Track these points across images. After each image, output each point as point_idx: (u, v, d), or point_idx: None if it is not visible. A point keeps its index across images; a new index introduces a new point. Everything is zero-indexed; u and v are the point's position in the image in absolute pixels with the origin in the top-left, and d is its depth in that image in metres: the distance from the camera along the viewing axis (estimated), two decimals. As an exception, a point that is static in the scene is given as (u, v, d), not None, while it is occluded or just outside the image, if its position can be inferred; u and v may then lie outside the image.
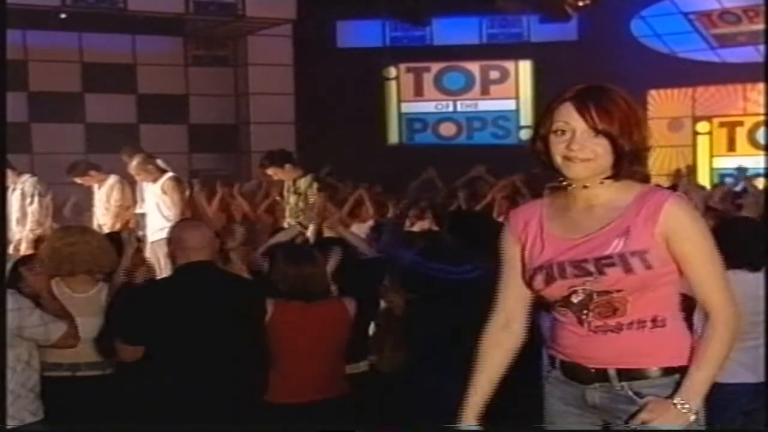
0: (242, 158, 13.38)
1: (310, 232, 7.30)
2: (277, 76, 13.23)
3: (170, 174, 8.05)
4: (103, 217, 8.62)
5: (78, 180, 8.84)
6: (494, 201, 9.59)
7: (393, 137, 14.48)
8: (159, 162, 8.23)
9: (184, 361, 3.56)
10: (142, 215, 8.37)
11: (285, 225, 7.74)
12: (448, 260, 3.81)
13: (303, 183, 7.84)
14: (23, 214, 8.19)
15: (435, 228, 9.08)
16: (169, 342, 3.58)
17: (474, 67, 14.22)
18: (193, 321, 3.58)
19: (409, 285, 4.00)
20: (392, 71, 14.28)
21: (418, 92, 14.39)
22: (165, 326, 3.60)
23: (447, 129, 14.45)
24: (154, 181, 7.93)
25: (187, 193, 7.97)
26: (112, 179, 8.74)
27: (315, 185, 7.81)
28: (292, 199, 7.87)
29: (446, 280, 3.83)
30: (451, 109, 14.41)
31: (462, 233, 3.89)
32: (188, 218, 6.21)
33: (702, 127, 13.53)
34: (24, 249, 7.72)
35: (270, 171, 8.03)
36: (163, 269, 7.28)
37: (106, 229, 8.27)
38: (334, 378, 3.95)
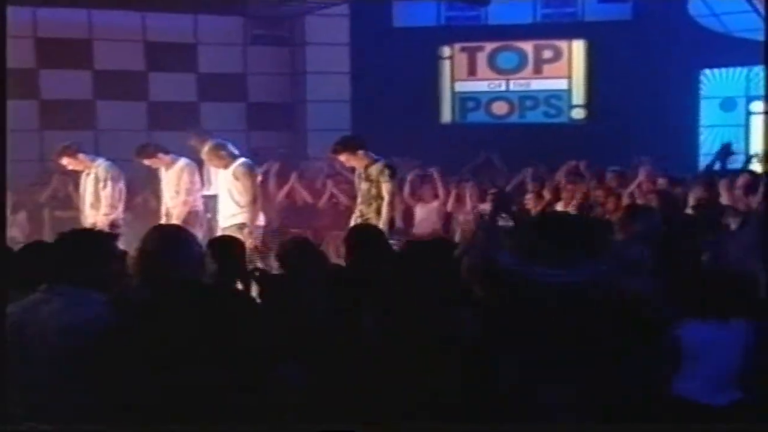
0: (299, 136, 13.15)
1: (382, 222, 7.06)
2: (334, 56, 12.95)
3: (242, 160, 7.68)
4: (172, 201, 8.25)
5: (146, 162, 8.44)
6: (561, 186, 9.28)
7: (446, 116, 14.14)
8: (230, 147, 7.85)
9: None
10: (211, 197, 8.09)
11: (357, 212, 7.47)
12: (545, 263, 3.45)
13: (374, 170, 7.37)
14: (97, 199, 7.88)
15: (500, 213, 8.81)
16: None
17: (527, 46, 13.80)
18: None
19: (502, 288, 3.63)
20: (446, 51, 13.92)
21: (472, 71, 14.02)
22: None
23: (499, 108, 14.07)
24: (226, 167, 7.58)
25: (259, 178, 7.62)
26: (182, 162, 8.30)
27: (387, 172, 7.31)
28: (364, 186, 7.43)
29: (543, 284, 3.45)
30: (503, 88, 14.01)
31: (558, 236, 3.54)
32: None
33: (755, 106, 12.99)
34: None
35: (342, 157, 7.56)
36: None
37: (173, 213, 8.09)
38: None
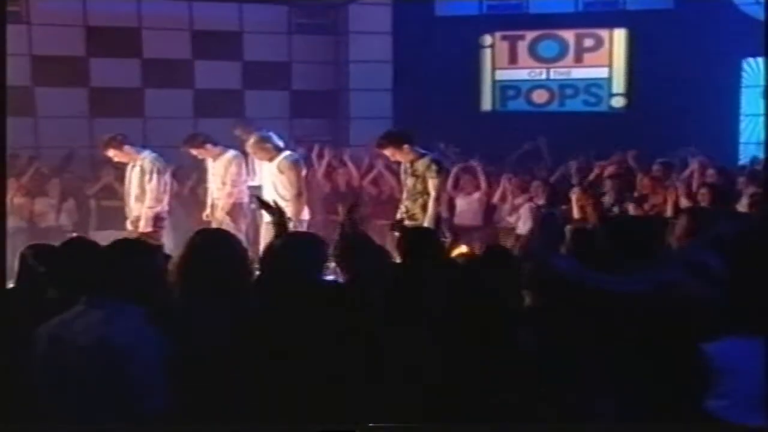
0: (341, 125, 13.10)
1: (428, 219, 6.90)
2: (377, 45, 12.85)
3: (287, 153, 7.54)
4: (218, 192, 8.16)
5: (193, 152, 8.33)
6: (601, 178, 9.07)
7: (486, 104, 14.02)
8: (275, 139, 7.74)
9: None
10: (257, 188, 7.95)
11: (402, 208, 7.27)
12: (610, 270, 3.25)
13: (421, 165, 7.13)
14: (142, 191, 7.71)
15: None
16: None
17: (568, 35, 13.60)
18: None
19: (561, 293, 3.40)
20: (488, 39, 13.76)
21: (513, 60, 13.86)
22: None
23: (539, 96, 13.91)
24: (270, 159, 7.43)
25: (304, 172, 7.48)
26: (230, 154, 8.17)
27: (433, 167, 7.05)
28: (410, 181, 7.19)
29: (609, 293, 3.22)
30: (544, 76, 13.84)
31: (626, 241, 3.33)
32: None
33: (798, 96, 12.66)
34: (143, 226, 7.46)
35: (387, 151, 7.33)
36: None
37: (219, 204, 8.02)
38: None
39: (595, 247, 3.63)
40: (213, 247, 3.20)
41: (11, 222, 8.95)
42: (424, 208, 6.99)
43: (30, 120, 11.39)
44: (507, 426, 2.96)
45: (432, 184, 7.00)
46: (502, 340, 3.09)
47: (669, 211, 7.57)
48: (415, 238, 4.54)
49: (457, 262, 4.55)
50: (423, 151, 7.25)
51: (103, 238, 9.14)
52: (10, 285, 3.85)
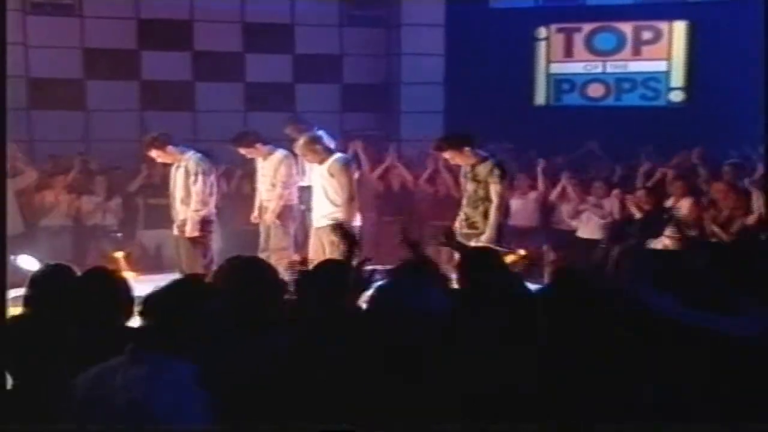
0: (392, 118, 12.59)
1: (489, 227, 6.30)
2: (429, 37, 12.30)
3: (338, 155, 6.99)
4: (267, 194, 7.67)
5: (243, 151, 7.84)
6: (665, 178, 8.46)
7: (540, 98, 13.39)
8: (326, 140, 7.22)
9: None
10: (306, 188, 7.44)
11: (461, 215, 6.65)
12: (721, 309, 2.67)
13: (482, 169, 6.51)
14: (187, 194, 7.15)
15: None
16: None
17: (626, 27, 12.91)
18: None
19: (662, 336, 2.83)
20: (542, 32, 13.12)
21: (568, 53, 13.20)
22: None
23: (595, 90, 13.25)
24: (321, 162, 6.87)
25: (356, 175, 6.92)
26: (280, 154, 7.64)
27: (496, 172, 6.44)
28: (470, 186, 6.56)
29: (718, 336, 2.66)
30: (600, 70, 13.17)
31: (737, 271, 2.73)
32: None
33: None
34: (189, 231, 7.00)
35: (446, 154, 6.76)
36: (328, 254, 6.57)
37: (269, 207, 7.56)
38: None
39: (692, 277, 3.02)
40: (244, 279, 2.68)
41: (57, 220, 8.65)
42: (486, 215, 6.41)
43: (81, 114, 11.10)
44: (515, 426, 2.61)
45: (494, 190, 6.41)
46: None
47: (750, 221, 6.90)
48: (478, 261, 3.99)
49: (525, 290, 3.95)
50: (485, 154, 6.65)
51: (150, 237, 8.97)
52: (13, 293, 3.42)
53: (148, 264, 8.24)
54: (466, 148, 6.47)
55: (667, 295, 2.94)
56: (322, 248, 6.62)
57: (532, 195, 9.03)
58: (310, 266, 4.11)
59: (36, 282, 3.39)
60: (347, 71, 12.47)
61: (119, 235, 8.87)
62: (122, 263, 7.99)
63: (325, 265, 3.67)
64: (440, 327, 2.61)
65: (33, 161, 9.51)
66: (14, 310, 3.71)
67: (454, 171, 8.13)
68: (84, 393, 2.51)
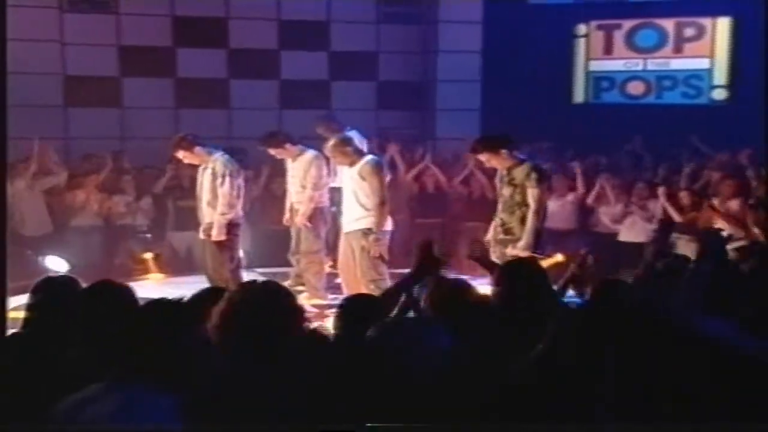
0: (428, 116, 12.27)
1: (526, 234, 5.89)
2: (466, 34, 11.96)
3: (369, 157, 6.57)
4: (297, 196, 7.37)
5: (272, 152, 7.56)
6: (713, 182, 8.05)
7: (578, 96, 13.00)
8: (357, 141, 6.90)
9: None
10: (338, 189, 7.11)
11: (497, 220, 6.23)
12: None
13: (519, 172, 6.07)
14: (214, 196, 6.77)
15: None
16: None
17: (668, 24, 12.48)
18: None
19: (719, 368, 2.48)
20: (582, 28, 12.73)
21: (608, 50, 12.80)
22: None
23: (635, 88, 12.84)
24: (351, 164, 6.47)
25: (388, 178, 6.55)
26: (310, 154, 7.32)
27: (534, 175, 5.99)
28: (506, 190, 6.13)
29: None
30: (640, 67, 12.76)
31: None
32: None
33: None
34: (216, 234, 6.66)
35: (482, 157, 6.26)
36: (357, 262, 6.30)
37: (299, 209, 7.28)
38: None
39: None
40: (259, 308, 2.41)
41: (88, 220, 8.48)
42: (522, 221, 6.00)
43: (116, 111, 10.95)
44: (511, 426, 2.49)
45: (532, 194, 6.00)
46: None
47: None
48: (521, 276, 3.65)
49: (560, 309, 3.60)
50: (522, 157, 6.24)
51: (180, 239, 8.74)
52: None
53: (178, 266, 8.03)
54: (503, 151, 6.08)
55: (723, 320, 2.61)
56: (352, 254, 6.32)
57: (570, 197, 8.66)
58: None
59: (36, 296, 3.13)
60: (383, 69, 12.18)
61: (148, 236, 8.67)
62: (151, 264, 7.84)
63: (354, 301, 3.41)
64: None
65: (66, 160, 9.41)
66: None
67: (489, 171, 7.79)
68: (60, 423, 2.27)
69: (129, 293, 3.01)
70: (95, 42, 10.80)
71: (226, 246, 6.62)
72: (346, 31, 11.96)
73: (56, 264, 7.34)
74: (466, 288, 3.42)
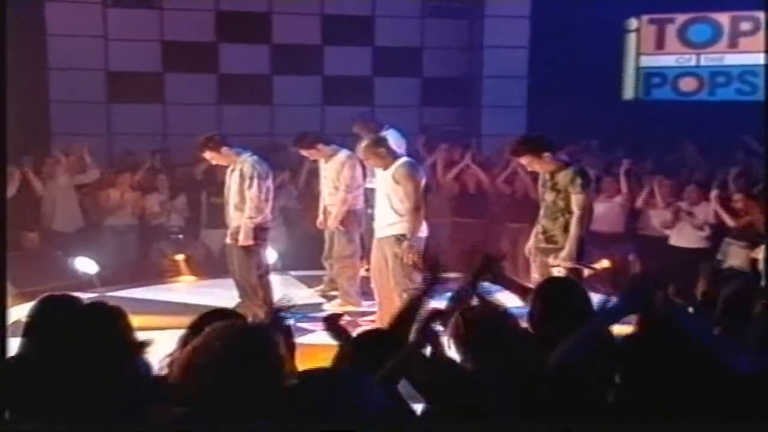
0: (472, 113, 11.81)
1: (569, 242, 5.35)
2: (513, 29, 11.47)
3: (403, 160, 6.04)
4: (330, 198, 6.97)
5: (304, 152, 7.18)
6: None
7: (628, 92, 12.44)
8: (392, 142, 6.42)
9: None
10: (372, 190, 6.63)
11: (538, 228, 5.69)
12: None
13: (563, 177, 5.52)
14: (241, 199, 6.26)
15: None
16: None
17: (723, 18, 11.84)
18: None
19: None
20: (633, 23, 12.18)
21: (659, 45, 12.22)
22: None
23: (687, 84, 12.23)
24: (385, 167, 5.95)
25: (423, 181, 6.00)
26: (343, 155, 6.90)
27: (578, 180, 5.43)
28: (549, 196, 5.58)
29: None
30: (693, 63, 12.15)
31: None
32: None
33: None
34: (242, 239, 6.20)
35: (524, 160, 5.73)
36: (390, 270, 5.90)
37: (332, 212, 6.90)
38: None
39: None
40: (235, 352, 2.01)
41: (122, 219, 8.23)
42: (566, 229, 5.49)
43: (159, 107, 10.72)
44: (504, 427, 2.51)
45: (576, 200, 5.48)
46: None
47: None
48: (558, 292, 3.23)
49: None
50: (566, 160, 5.72)
51: (214, 237, 8.37)
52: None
53: (211, 268, 7.68)
54: (546, 154, 5.56)
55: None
56: (384, 261, 5.91)
57: (619, 198, 8.14)
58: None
59: (33, 317, 2.81)
60: (427, 64, 11.75)
61: (180, 236, 8.36)
62: (182, 266, 7.55)
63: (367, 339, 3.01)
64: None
65: (109, 156, 9.20)
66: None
67: (533, 171, 7.29)
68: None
69: (120, 317, 2.66)
70: (138, 37, 10.57)
71: (254, 251, 6.23)
72: (390, 26, 11.55)
73: (85, 265, 7.09)
74: (498, 316, 2.99)
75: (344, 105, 10.46)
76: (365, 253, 6.81)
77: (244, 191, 6.22)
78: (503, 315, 2.97)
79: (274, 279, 6.57)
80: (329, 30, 11.33)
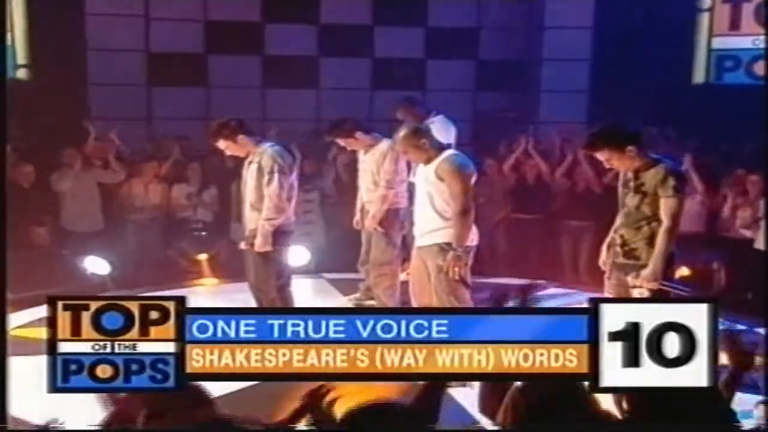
0: (531, 98, 10.54)
1: (654, 259, 4.07)
2: (575, 9, 10.17)
3: (449, 153, 4.69)
4: (369, 194, 5.79)
5: (340, 142, 5.95)
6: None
7: (699, 76, 11.06)
8: (438, 132, 5.17)
9: None
10: (414, 185, 5.21)
11: (615, 237, 4.37)
12: None
13: (651, 177, 4.23)
14: (259, 197, 5.05)
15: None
16: None
17: (806, -4, 10.35)
18: None
19: None
20: (706, 1, 10.80)
21: (734, 26, 10.83)
22: None
23: (762, 68, 10.78)
24: (427, 161, 4.64)
25: (473, 179, 4.62)
26: (384, 145, 5.65)
27: (671, 182, 4.16)
28: (632, 200, 4.29)
29: None
30: (772, 43, 10.70)
31: None
32: None
33: None
34: (259, 244, 5.00)
35: (602, 154, 4.32)
36: (432, 285, 4.66)
37: (370, 210, 5.74)
38: None
39: None
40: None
41: (143, 213, 7.24)
42: (651, 241, 4.19)
43: (201, 90, 9.74)
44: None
45: (666, 206, 4.16)
46: None
47: None
48: None
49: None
50: (656, 157, 4.33)
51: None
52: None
53: (237, 268, 6.49)
54: (630, 148, 4.18)
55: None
56: (426, 272, 4.67)
57: (699, 197, 6.85)
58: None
59: None
60: (484, 46, 10.53)
61: (203, 233, 7.29)
62: (205, 267, 6.52)
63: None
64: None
65: (150, 139, 8.24)
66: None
67: (597, 163, 5.95)
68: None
69: None
70: (181, 17, 9.59)
71: (272, 258, 5.06)
72: (445, 6, 10.36)
73: (96, 265, 6.14)
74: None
75: (394, 89, 9.33)
76: (407, 256, 5.58)
77: (262, 187, 5.00)
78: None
79: (305, 284, 5.46)
80: (380, 9, 10.23)
